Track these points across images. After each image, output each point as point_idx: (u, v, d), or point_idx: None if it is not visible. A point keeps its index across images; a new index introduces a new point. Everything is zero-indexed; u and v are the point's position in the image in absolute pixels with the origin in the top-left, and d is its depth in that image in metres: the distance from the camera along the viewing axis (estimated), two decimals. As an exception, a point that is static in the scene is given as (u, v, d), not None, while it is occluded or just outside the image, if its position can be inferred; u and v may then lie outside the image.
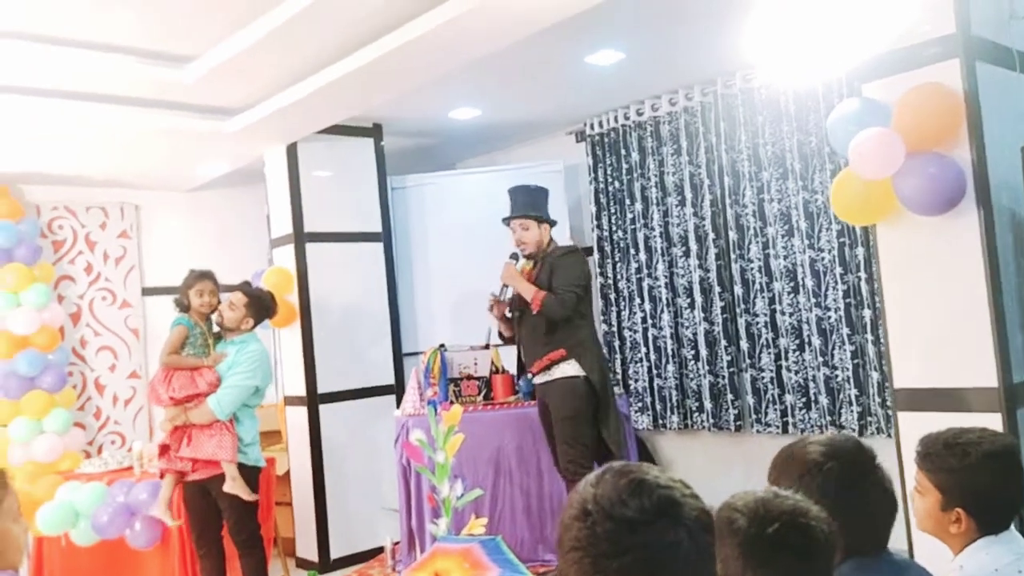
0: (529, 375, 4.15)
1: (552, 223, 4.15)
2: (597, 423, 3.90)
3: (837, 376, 4.45)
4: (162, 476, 4.00)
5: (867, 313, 4.27)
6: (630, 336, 5.45)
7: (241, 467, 3.84)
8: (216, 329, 4.07)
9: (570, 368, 3.92)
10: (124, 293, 5.91)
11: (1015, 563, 1.70)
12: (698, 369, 5.09)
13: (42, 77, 4.01)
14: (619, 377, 5.42)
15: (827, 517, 1.32)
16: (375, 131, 5.44)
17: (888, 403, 4.17)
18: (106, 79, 4.07)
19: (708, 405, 5.03)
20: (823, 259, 4.46)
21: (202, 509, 3.90)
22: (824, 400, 4.49)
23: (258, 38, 3.72)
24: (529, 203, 4.08)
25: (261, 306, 4.07)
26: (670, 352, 5.22)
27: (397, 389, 5.34)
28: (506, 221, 4.14)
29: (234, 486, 3.75)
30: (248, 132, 4.80)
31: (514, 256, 4.10)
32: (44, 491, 4.50)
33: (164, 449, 3.93)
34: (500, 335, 4.27)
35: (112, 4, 3.45)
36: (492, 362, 4.40)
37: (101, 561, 4.44)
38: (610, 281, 5.52)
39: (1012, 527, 1.80)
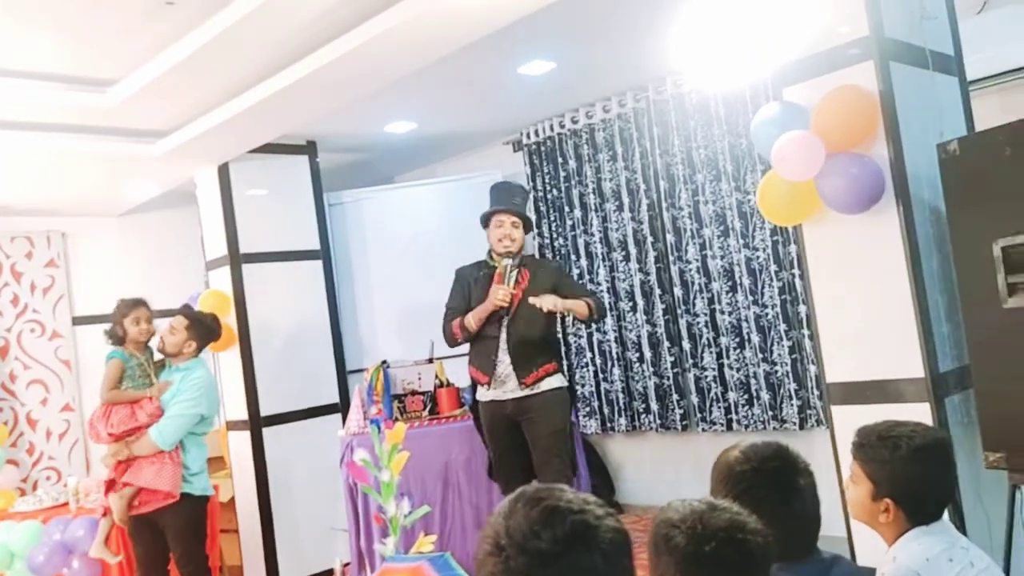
0: (518, 384, 3.73)
1: (531, 231, 4.11)
2: None
3: (776, 372, 4.53)
4: (104, 513, 3.87)
5: (803, 309, 4.36)
6: (575, 341, 5.48)
7: (187, 497, 3.76)
8: (158, 357, 3.98)
9: (556, 380, 3.79)
10: (54, 324, 5.73)
11: (946, 552, 1.75)
12: (643, 371, 5.13)
13: (-45, 104, 3.87)
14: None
15: (763, 529, 1.32)
16: (309, 148, 5.37)
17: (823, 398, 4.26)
18: (26, 106, 3.95)
19: (654, 406, 5.08)
20: (758, 257, 4.54)
21: (149, 543, 3.79)
22: (766, 396, 4.57)
23: (181, 59, 3.64)
24: (521, 202, 3.91)
25: (203, 328, 3.98)
26: (615, 356, 5.25)
27: (342, 407, 5.26)
28: (488, 217, 3.85)
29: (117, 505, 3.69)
30: (176, 154, 4.70)
31: (489, 257, 3.85)
32: (-25, 533, 4.32)
33: (110, 485, 3.82)
34: (455, 335, 3.84)
35: (29, 30, 3.36)
36: (436, 376, 4.36)
37: (39, 603, 4.28)
38: (552, 289, 5.54)
39: (944, 517, 1.84)
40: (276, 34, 3.49)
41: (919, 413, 2.43)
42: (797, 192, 2.44)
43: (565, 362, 5.45)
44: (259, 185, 5.21)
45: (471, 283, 3.89)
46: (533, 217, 5.57)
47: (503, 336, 3.77)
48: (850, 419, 2.58)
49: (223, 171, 5.07)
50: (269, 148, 5.06)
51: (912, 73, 2.49)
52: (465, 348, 3.96)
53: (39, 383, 5.64)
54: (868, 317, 2.54)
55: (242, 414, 5.03)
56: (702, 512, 1.33)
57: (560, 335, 5.33)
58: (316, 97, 4.13)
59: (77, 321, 5.78)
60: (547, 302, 3.57)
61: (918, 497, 1.80)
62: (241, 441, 5.05)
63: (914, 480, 1.79)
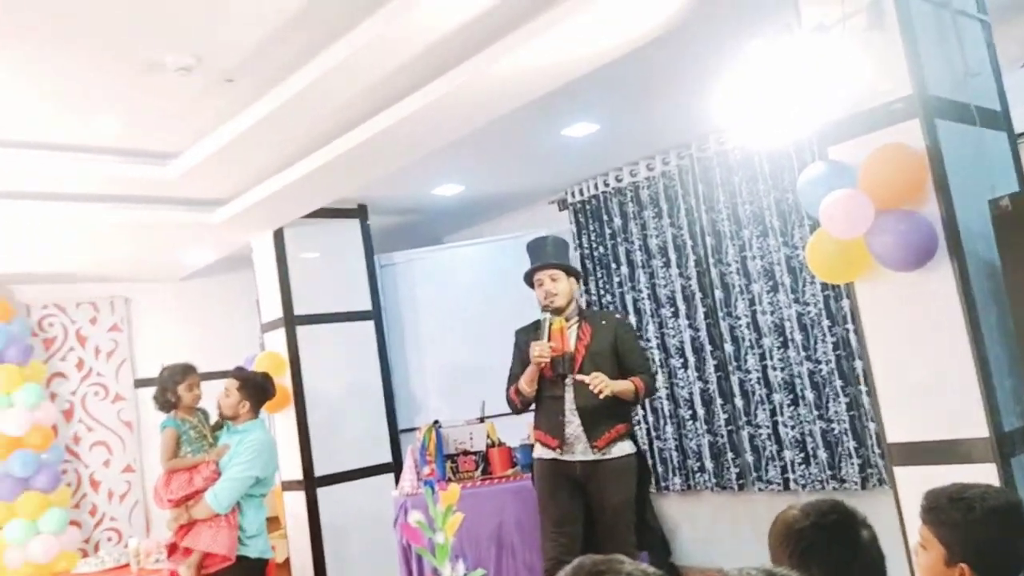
0: (589, 447, 3.57)
1: (579, 275, 3.92)
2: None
3: (834, 429, 4.43)
4: None
5: (859, 364, 4.28)
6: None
7: (243, 560, 3.80)
8: (214, 418, 4.08)
9: (628, 445, 3.62)
10: (116, 387, 5.90)
11: None
12: (696, 429, 5.07)
13: (28, 180, 4.08)
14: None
15: None
16: (360, 211, 5.51)
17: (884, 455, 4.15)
18: (91, 179, 4.16)
19: (709, 464, 5.00)
20: (809, 312, 4.49)
21: None
22: (823, 454, 4.47)
23: (239, 132, 3.81)
24: (555, 253, 3.78)
25: (255, 387, 4.06)
26: (667, 413, 5.20)
27: (395, 467, 5.30)
28: (529, 275, 3.77)
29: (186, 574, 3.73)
30: (234, 221, 4.87)
31: (545, 310, 3.69)
32: (40, 595, 4.41)
33: (172, 549, 3.91)
34: (513, 401, 3.72)
35: (95, 108, 3.54)
36: (488, 435, 4.37)
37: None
38: (602, 345, 5.53)
39: None
40: (330, 106, 3.64)
41: (985, 474, 2.36)
42: (847, 250, 2.43)
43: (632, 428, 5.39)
44: (312, 248, 5.35)
45: (525, 345, 3.74)
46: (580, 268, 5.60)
47: (570, 396, 3.61)
48: (914, 480, 2.53)
49: (278, 236, 5.22)
50: (322, 212, 5.22)
51: (958, 129, 2.49)
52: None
53: (102, 445, 5.79)
54: (927, 375, 2.49)
55: (297, 474, 5.09)
56: None
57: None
58: (368, 163, 4.26)
59: (139, 384, 5.94)
60: (596, 382, 3.44)
61: (993, 561, 1.74)
62: (296, 501, 5.10)
63: (989, 543, 1.73)
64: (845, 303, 4.29)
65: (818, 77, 2.47)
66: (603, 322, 3.74)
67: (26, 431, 5.11)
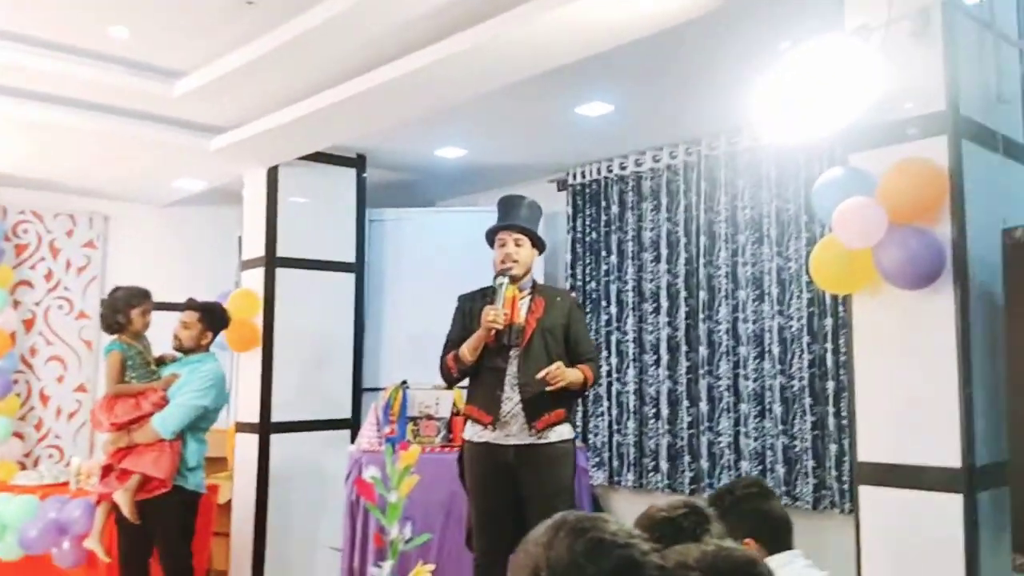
0: (527, 427, 3.31)
1: (543, 248, 3.65)
2: None
3: (795, 447, 4.42)
4: (98, 502, 3.82)
5: (831, 385, 4.27)
6: (593, 389, 5.39)
7: (179, 490, 3.72)
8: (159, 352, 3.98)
9: (566, 430, 3.38)
10: (82, 303, 5.76)
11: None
12: (658, 428, 5.04)
13: (25, 79, 3.95)
14: (579, 430, 5.35)
15: None
16: (358, 162, 5.41)
17: (844, 478, 4.15)
18: (91, 86, 4.04)
19: (664, 465, 4.97)
20: (791, 327, 4.47)
21: (131, 533, 3.75)
22: (781, 469, 4.45)
23: (251, 59, 3.72)
24: (528, 216, 3.52)
25: (216, 318, 4.04)
26: (632, 408, 5.17)
27: (353, 424, 5.22)
28: (493, 232, 3.52)
29: (124, 499, 3.62)
30: (230, 151, 4.76)
31: (500, 275, 3.42)
32: (-27, 500, 4.30)
33: (107, 470, 3.78)
34: (450, 369, 3.43)
35: (107, 15, 3.42)
36: (454, 403, 4.31)
37: (23, 576, 4.24)
38: (579, 332, 5.48)
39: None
40: (346, 45, 3.54)
41: (949, 504, 2.35)
42: (853, 260, 2.39)
43: (580, 409, 5.37)
44: (305, 192, 5.24)
45: (473, 311, 3.44)
46: (568, 257, 5.54)
47: (512, 370, 3.33)
48: (877, 500, 2.51)
49: (272, 174, 5.11)
50: (320, 157, 5.12)
51: (982, 154, 2.45)
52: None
53: (58, 360, 5.66)
54: (909, 398, 2.46)
55: (253, 417, 5.00)
56: (717, 552, 1.29)
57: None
58: (374, 112, 4.17)
59: (103, 306, 5.80)
60: (556, 374, 3.22)
61: (769, 525, 2.12)
62: (248, 444, 5.01)
63: (756, 514, 2.11)
64: (828, 321, 4.27)
65: (851, 80, 2.42)
66: (558, 299, 3.51)
67: (-17, 333, 4.98)
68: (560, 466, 3.34)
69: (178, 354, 3.98)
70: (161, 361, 4.01)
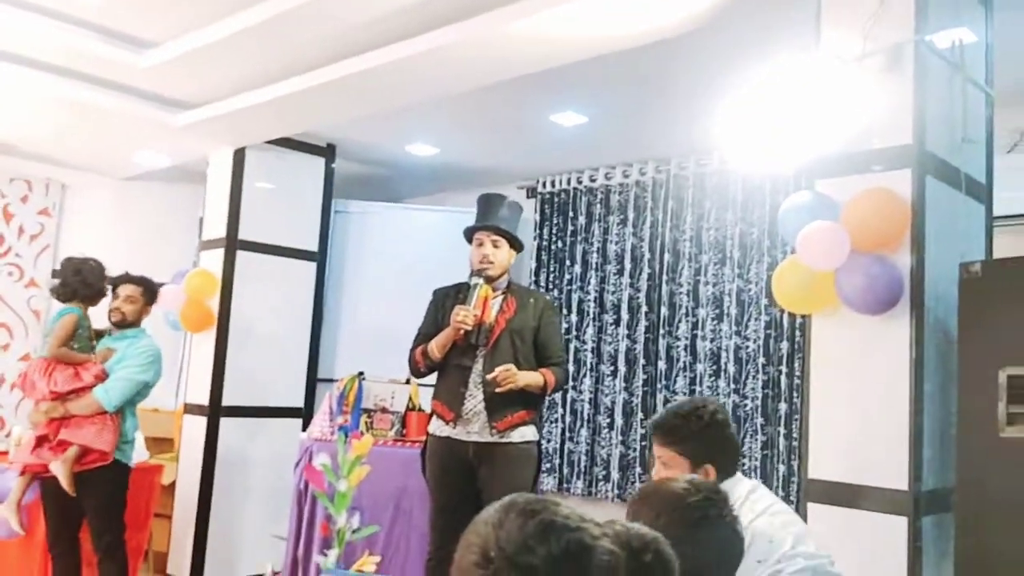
0: (488, 427, 3.30)
1: (521, 248, 3.59)
2: None
3: (744, 465, 4.50)
4: (22, 472, 3.72)
5: (783, 407, 4.35)
6: (549, 395, 5.42)
7: (117, 464, 3.67)
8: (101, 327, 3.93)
9: (529, 431, 3.36)
10: (33, 272, 5.63)
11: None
12: (611, 438, 5.09)
13: (-10, 35, 3.84)
14: (533, 435, 5.36)
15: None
16: (328, 151, 5.37)
17: (792, 499, 4.23)
18: (58, 50, 3.92)
19: (615, 475, 5.02)
20: (748, 347, 4.55)
21: (62, 507, 3.67)
22: (730, 486, 4.52)
23: (226, 35, 3.65)
24: (509, 217, 3.47)
25: (154, 294, 4.01)
26: (586, 416, 5.21)
27: (305, 413, 5.17)
28: (472, 231, 3.47)
29: (62, 471, 3.54)
30: (196, 129, 4.67)
31: (476, 275, 3.40)
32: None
33: (41, 440, 3.68)
34: (417, 363, 3.43)
35: (82, -26, 3.35)
36: (410, 398, 4.30)
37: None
38: (538, 338, 5.51)
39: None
40: (322, 31, 3.51)
41: (895, 526, 2.41)
42: (815, 281, 2.45)
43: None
44: (271, 177, 5.18)
45: (446, 306, 3.41)
46: (532, 264, 5.57)
47: (477, 368, 3.32)
48: (825, 518, 2.56)
49: (239, 155, 5.04)
50: (288, 143, 5.08)
51: (945, 191, 2.53)
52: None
53: (3, 327, 5.51)
54: (861, 420, 2.52)
55: (203, 399, 4.92)
56: (629, 530, 1.31)
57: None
58: (345, 101, 4.14)
59: (56, 274, 5.66)
60: (506, 375, 3.20)
61: (728, 454, 2.15)
62: (195, 426, 4.93)
63: (721, 440, 2.13)
64: (784, 344, 4.36)
65: (822, 108, 2.48)
66: (531, 300, 3.48)
67: (-74, 295, 4.83)
68: (520, 467, 3.32)
69: (114, 330, 3.92)
70: (99, 335, 3.95)
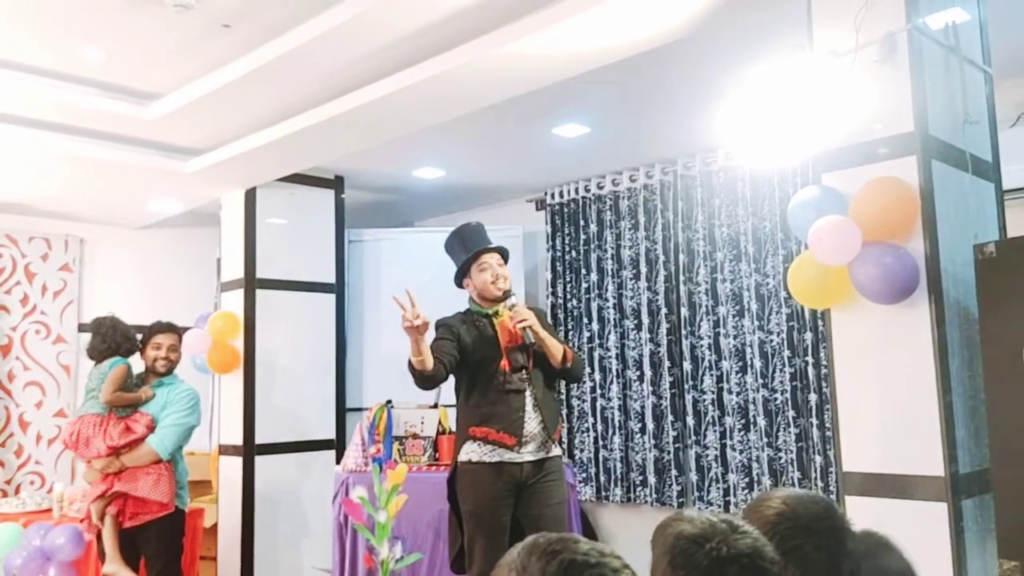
0: (544, 445, 3.24)
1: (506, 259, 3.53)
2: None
3: (781, 458, 4.48)
4: (101, 517, 3.73)
5: (813, 397, 4.33)
6: (578, 405, 5.43)
7: (177, 511, 3.79)
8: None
9: (557, 447, 3.35)
10: (59, 328, 5.71)
11: None
12: (644, 443, 5.08)
13: None
14: (565, 446, 5.38)
15: (780, 560, 1.23)
16: (337, 183, 5.43)
17: (830, 489, 4.21)
18: (65, 109, 4.02)
19: (652, 480, 5.01)
20: (772, 341, 4.54)
21: (124, 555, 3.74)
22: (767, 481, 4.51)
23: (227, 82, 3.72)
24: (492, 238, 3.49)
25: (182, 337, 4.16)
26: (617, 424, 5.21)
27: (337, 445, 5.22)
28: (468, 263, 3.41)
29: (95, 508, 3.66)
30: (206, 174, 4.75)
31: (495, 300, 3.36)
32: (-46, 531, 4.23)
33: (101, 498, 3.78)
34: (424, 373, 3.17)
35: (82, 37, 3.42)
36: (440, 422, 4.32)
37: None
38: (561, 349, 5.52)
39: None
40: (322, 69, 3.57)
41: (935, 512, 2.40)
42: (830, 276, 2.45)
43: (565, 425, 5.40)
44: (283, 213, 5.25)
45: (459, 330, 3.34)
46: (548, 276, 5.59)
47: (530, 390, 3.25)
48: (864, 510, 2.55)
49: (250, 196, 5.12)
50: (298, 178, 5.14)
51: (951, 173, 2.52)
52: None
53: (36, 385, 5.59)
54: (890, 409, 2.51)
55: (236, 439, 4.98)
56: (725, 533, 1.22)
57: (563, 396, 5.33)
58: (351, 134, 4.20)
59: (83, 328, 5.74)
60: (524, 314, 3.19)
61: None
62: (232, 467, 4.99)
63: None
64: (808, 335, 4.34)
65: (822, 103, 2.50)
66: (530, 310, 3.39)
67: (-41, 361, 4.92)
68: (561, 478, 3.31)
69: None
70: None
